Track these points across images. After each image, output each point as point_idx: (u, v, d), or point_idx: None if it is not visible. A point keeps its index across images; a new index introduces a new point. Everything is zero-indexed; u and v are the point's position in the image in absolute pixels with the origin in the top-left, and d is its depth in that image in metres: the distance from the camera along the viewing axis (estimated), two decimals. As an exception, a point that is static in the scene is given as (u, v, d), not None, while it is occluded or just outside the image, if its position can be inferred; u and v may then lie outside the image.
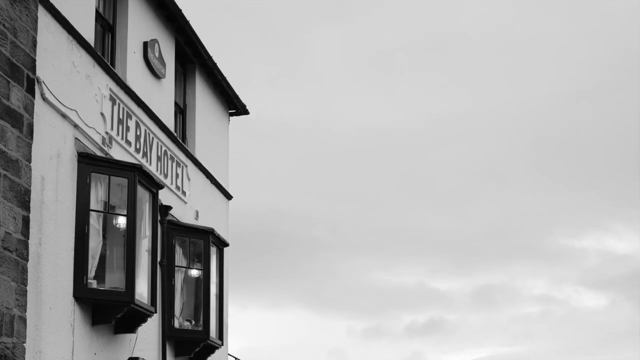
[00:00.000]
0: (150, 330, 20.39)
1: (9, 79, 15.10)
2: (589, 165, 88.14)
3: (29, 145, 15.59)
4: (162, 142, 22.00)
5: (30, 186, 15.52)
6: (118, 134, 19.52)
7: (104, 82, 18.96)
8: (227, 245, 24.65)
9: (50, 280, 16.26)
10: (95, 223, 17.92)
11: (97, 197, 18.02)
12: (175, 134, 23.20)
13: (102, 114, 18.78)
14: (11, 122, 15.07)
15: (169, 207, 21.81)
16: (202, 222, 24.16)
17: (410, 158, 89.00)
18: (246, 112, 28.57)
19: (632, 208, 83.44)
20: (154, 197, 19.68)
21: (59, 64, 17.14)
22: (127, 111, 20.01)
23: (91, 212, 17.71)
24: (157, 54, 21.88)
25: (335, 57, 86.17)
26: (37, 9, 15.99)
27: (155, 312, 19.45)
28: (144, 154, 20.93)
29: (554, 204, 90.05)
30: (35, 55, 15.91)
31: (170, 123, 22.79)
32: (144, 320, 18.99)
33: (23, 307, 15.00)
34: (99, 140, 18.57)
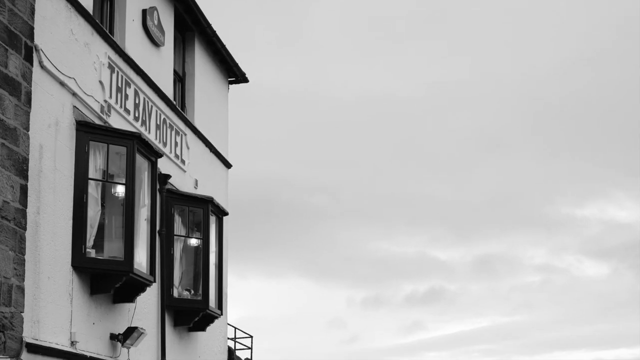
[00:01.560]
0: (149, 300, 20.35)
1: (6, 47, 14.98)
2: (591, 133, 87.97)
3: (27, 114, 15.51)
4: (161, 110, 21.88)
5: (28, 155, 15.45)
6: (117, 102, 19.40)
7: (102, 50, 18.82)
8: (226, 214, 24.57)
9: (48, 250, 16.19)
10: (93, 192, 17.83)
11: (95, 166, 17.93)
12: (175, 103, 23.08)
13: (100, 82, 18.65)
14: (9, 90, 14.98)
15: (168, 176, 21.73)
16: (201, 191, 24.07)
17: (411, 126, 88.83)
18: (246, 80, 28.43)
19: (634, 176, 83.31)
20: (153, 166, 19.57)
21: (58, 31, 17.00)
22: (125, 79, 19.89)
23: (90, 181, 17.62)
24: (156, 22, 21.72)
25: (335, 25, 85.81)
26: (35, -24, 15.86)
27: (154, 281, 19.40)
28: (143, 123, 20.83)
29: (555, 173, 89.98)
30: (33, 23, 15.78)
31: (169, 91, 22.66)
32: (143, 290, 18.94)
33: (21, 276, 14.96)
34: (97, 108, 18.46)
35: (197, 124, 24.60)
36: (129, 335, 18.56)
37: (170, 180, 21.90)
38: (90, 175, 17.65)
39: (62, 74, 16.98)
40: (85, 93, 17.96)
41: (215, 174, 26.17)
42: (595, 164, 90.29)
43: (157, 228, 20.58)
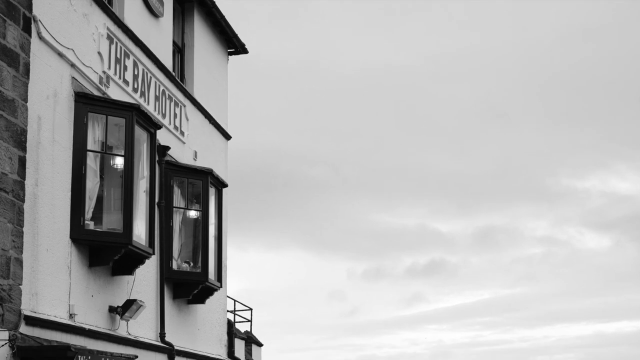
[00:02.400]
0: (148, 272, 20.31)
1: (5, 18, 14.87)
2: (593, 105, 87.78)
3: (26, 85, 15.42)
4: (160, 81, 21.77)
5: (26, 126, 15.38)
6: (115, 73, 19.28)
7: (101, 21, 18.68)
8: (225, 185, 24.50)
9: (46, 222, 16.12)
10: (92, 163, 17.74)
11: (94, 138, 17.83)
12: (174, 74, 22.96)
13: (99, 53, 18.52)
14: (7, 61, 14.88)
15: (167, 148, 21.64)
16: (201, 163, 24.00)
17: (412, 97, 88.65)
18: (245, 52, 28.29)
19: (636, 148, 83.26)
20: (152, 137, 19.47)
21: (56, 2, 16.85)
22: (124, 50, 19.76)
23: (88, 153, 17.52)
24: (155, -8, 21.56)
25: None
26: (32, -54, 15.72)
27: (153, 253, 19.35)
28: (142, 94, 20.72)
29: (556, 144, 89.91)
30: (31, -7, 15.67)
31: (168, 62, 22.53)
32: (142, 262, 18.90)
33: (19, 248, 14.91)
34: (96, 79, 18.34)
35: (197, 96, 24.49)
36: (127, 307, 18.53)
37: (169, 152, 21.81)
38: (89, 147, 17.55)
39: (61, 45, 16.85)
40: (84, 64, 17.84)
41: (215, 146, 26.08)
42: (597, 136, 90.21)
43: (156, 200, 20.51)
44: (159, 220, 20.98)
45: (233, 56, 28.43)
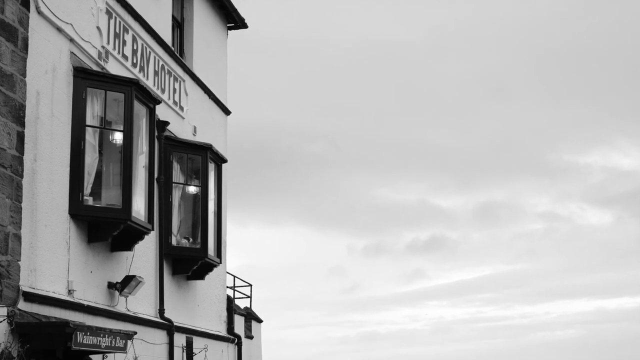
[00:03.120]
0: (147, 248, 20.25)
1: (2, -9, 14.75)
2: (594, 79, 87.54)
3: (24, 60, 15.31)
4: (159, 56, 21.64)
5: (25, 101, 15.29)
6: (114, 48, 19.16)
7: (100, -5, 18.55)
8: (225, 161, 24.42)
9: (45, 197, 16.04)
10: (91, 139, 17.65)
11: (93, 113, 17.73)
12: (173, 49, 22.82)
13: (98, 27, 18.39)
14: (5, 36, 14.77)
15: (167, 123, 21.54)
16: (200, 138, 23.90)
17: (411, 71, 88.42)
18: (245, 26, 28.15)
19: (638, 123, 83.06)
20: (151, 113, 19.37)
21: (54, -25, 16.71)
22: (123, 25, 19.62)
23: (87, 128, 17.43)
24: (154, -34, 21.41)
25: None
26: None
27: (152, 229, 19.29)
28: (141, 69, 20.60)
29: (558, 119, 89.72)
30: (29, -33, 15.53)
31: (167, 37, 22.39)
32: (141, 238, 18.84)
33: (18, 224, 14.85)
34: (95, 54, 18.22)
35: (196, 71, 24.37)
36: (126, 283, 18.49)
37: (168, 127, 21.72)
38: (88, 122, 17.46)
39: (60, 19, 16.72)
40: (83, 39, 17.72)
41: (214, 121, 25.98)
42: (599, 111, 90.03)
43: (156, 175, 20.46)
44: (158, 196, 20.91)
45: (232, 31, 28.29)
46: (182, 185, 22.50)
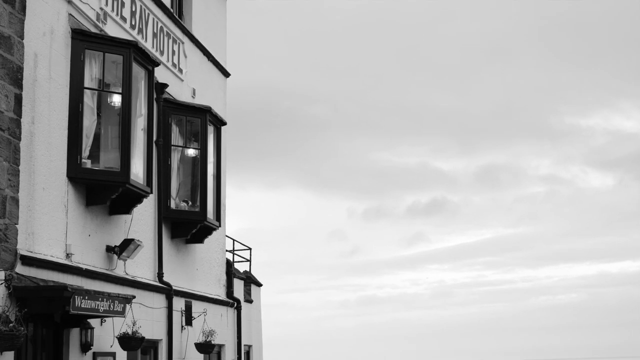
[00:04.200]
0: (145, 211, 20.16)
1: (-2, -49, 14.56)
2: (596, 41, 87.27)
3: (22, 22, 15.15)
4: (158, 18, 21.44)
5: (22, 63, 15.16)
6: (113, 9, 18.96)
7: (98, -45, 18.34)
8: (224, 124, 24.27)
9: (43, 160, 15.93)
10: (89, 101, 17.52)
11: (91, 75, 17.58)
12: (172, 10, 22.60)
13: (96, -12, 18.21)
14: (2, -4, 14.61)
15: (165, 85, 21.39)
16: (199, 100, 23.75)
17: (412, 33, 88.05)
18: (245, -12, 27.92)
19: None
20: (150, 75, 19.22)
21: None
22: (122, -14, 19.42)
23: (85, 90, 17.30)
24: None
25: None
26: None
27: (151, 192, 19.18)
28: (140, 31, 20.42)
29: (559, 81, 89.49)
30: None
31: (167, -2, 22.20)
32: (140, 201, 18.74)
33: (15, 187, 14.76)
34: (93, 16, 18.04)
35: (195, 32, 24.18)
36: (125, 247, 18.41)
37: (167, 90, 21.57)
38: (86, 85, 17.33)
39: (57, -20, 16.54)
40: (81, 0, 17.54)
41: (214, 83, 25.82)
42: (601, 73, 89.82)
43: (154, 138, 20.35)
44: (156, 159, 20.81)
45: (232, -8, 28.05)
46: (181, 148, 22.37)
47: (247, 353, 28.57)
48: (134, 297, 17.17)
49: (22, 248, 14.94)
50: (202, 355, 22.98)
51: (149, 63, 19.02)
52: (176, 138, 22.12)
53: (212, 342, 22.40)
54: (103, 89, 17.94)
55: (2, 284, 14.23)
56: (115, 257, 18.35)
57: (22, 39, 15.13)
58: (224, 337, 25.23)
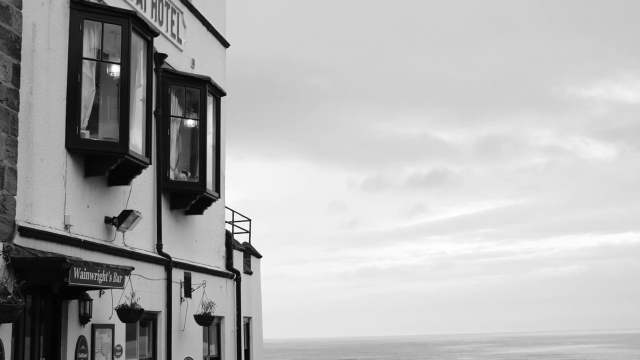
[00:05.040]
0: (144, 183, 20.07)
1: None
2: (598, 11, 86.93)
3: (19, -9, 15.03)
4: (157, -13, 21.29)
5: (21, 33, 15.06)
6: (112, -22, 18.81)
7: None
8: (224, 94, 24.14)
9: (41, 131, 15.82)
10: (88, 72, 17.40)
11: (90, 45, 17.45)
12: (172, -20, 22.45)
13: (95, -43, 18.04)
14: (-1, -35, 14.48)
15: (164, 55, 21.25)
16: (198, 71, 23.62)
17: (413, 4, 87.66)
18: (245, -43, 27.72)
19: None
20: (149, 45, 19.09)
21: None
22: (121, -45, 19.26)
23: (84, 61, 17.17)
24: None
25: None
26: None
27: (150, 163, 19.08)
28: (138, 1, 20.28)
29: (561, 52, 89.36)
30: None
31: (166, -32, 22.02)
32: (138, 172, 18.65)
33: (14, 158, 14.67)
34: (92, -15, 17.89)
35: (194, 2, 24.02)
36: (124, 218, 18.34)
37: (166, 60, 21.45)
38: (85, 55, 17.20)
39: (55, -52, 16.39)
40: (79, -31, 17.38)
41: (213, 54, 25.67)
42: (603, 43, 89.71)
43: (153, 109, 20.24)
44: (155, 130, 20.71)
45: (232, -38, 27.84)
46: (180, 119, 22.25)
47: (247, 325, 28.57)
48: (132, 268, 17.11)
49: (21, 219, 14.87)
50: (201, 327, 22.96)
51: (148, 33, 18.88)
52: (175, 109, 22.01)
53: (212, 314, 22.38)
54: (102, 60, 17.82)
55: (0, 255, 14.16)
56: (114, 228, 18.28)
57: (21, 8, 15.01)
58: (224, 309, 25.20)
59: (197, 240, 23.51)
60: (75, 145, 16.89)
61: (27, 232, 14.97)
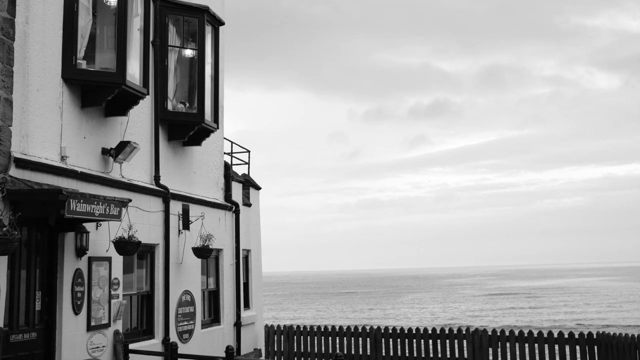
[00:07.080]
0: (142, 113, 19.86)
1: None
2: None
3: None
4: None
5: (14, -39, 14.75)
6: None
7: None
8: (222, 23, 23.82)
9: (37, 61, 15.59)
10: (84, 1, 17.11)
11: (86, -27, 17.15)
12: None
13: None
14: None
15: (163, -16, 20.92)
16: (197, 0, 23.27)
17: None
18: None
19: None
20: (147, -26, 18.78)
21: None
22: None
23: (80, -11, 16.88)
24: None
25: None
26: None
27: (148, 94, 18.84)
28: None
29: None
30: None
31: None
32: (136, 103, 18.42)
33: (9, 88, 14.48)
34: None
35: None
36: (121, 149, 18.15)
37: (164, -11, 21.11)
38: (81, -17, 16.89)
39: None
40: None
41: (212, -17, 25.29)
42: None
43: (151, 38, 20.00)
44: (153, 60, 20.48)
45: None
46: (178, 49, 21.98)
47: (246, 257, 28.54)
48: (130, 200, 16.96)
49: (16, 150, 14.70)
50: (199, 259, 22.89)
51: (146, -39, 18.55)
52: (173, 38, 21.72)
53: (210, 247, 22.28)
54: (98, -12, 17.52)
55: (-5, 187, 14.02)
56: (111, 159, 18.11)
57: None
58: (222, 241, 25.13)
59: (195, 172, 23.35)
60: (71, 75, 16.66)
61: (22, 164, 14.80)
